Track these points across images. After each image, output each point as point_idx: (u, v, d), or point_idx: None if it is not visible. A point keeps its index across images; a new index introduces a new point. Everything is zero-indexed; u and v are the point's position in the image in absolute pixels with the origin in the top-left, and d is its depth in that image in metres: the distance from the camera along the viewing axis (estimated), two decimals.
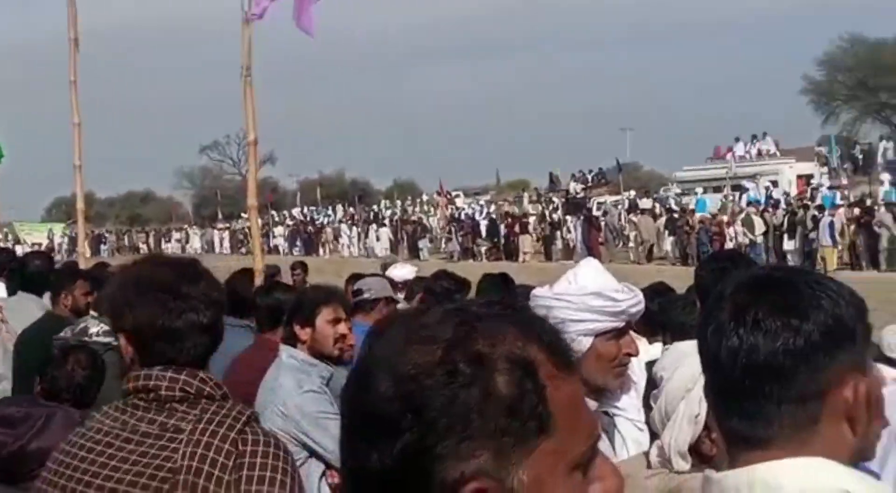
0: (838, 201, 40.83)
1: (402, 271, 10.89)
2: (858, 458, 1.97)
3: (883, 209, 37.27)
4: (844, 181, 49.00)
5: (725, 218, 41.45)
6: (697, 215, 43.58)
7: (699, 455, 3.14)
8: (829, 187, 46.11)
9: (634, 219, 46.61)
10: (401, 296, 9.77)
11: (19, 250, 24.21)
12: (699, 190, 51.08)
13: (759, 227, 39.43)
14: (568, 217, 50.31)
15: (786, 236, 38.86)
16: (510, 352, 1.38)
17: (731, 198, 46.68)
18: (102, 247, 68.75)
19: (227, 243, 70.49)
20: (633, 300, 3.93)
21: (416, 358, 1.36)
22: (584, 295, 3.87)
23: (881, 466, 4.76)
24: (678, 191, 54.33)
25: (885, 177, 45.38)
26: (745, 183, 49.28)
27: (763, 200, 44.47)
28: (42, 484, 2.93)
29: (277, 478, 2.84)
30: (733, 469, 1.93)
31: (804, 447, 1.90)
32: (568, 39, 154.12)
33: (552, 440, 1.37)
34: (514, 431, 1.35)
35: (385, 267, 13.65)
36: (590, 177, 65.37)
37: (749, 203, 43.96)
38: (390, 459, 1.34)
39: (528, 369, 1.38)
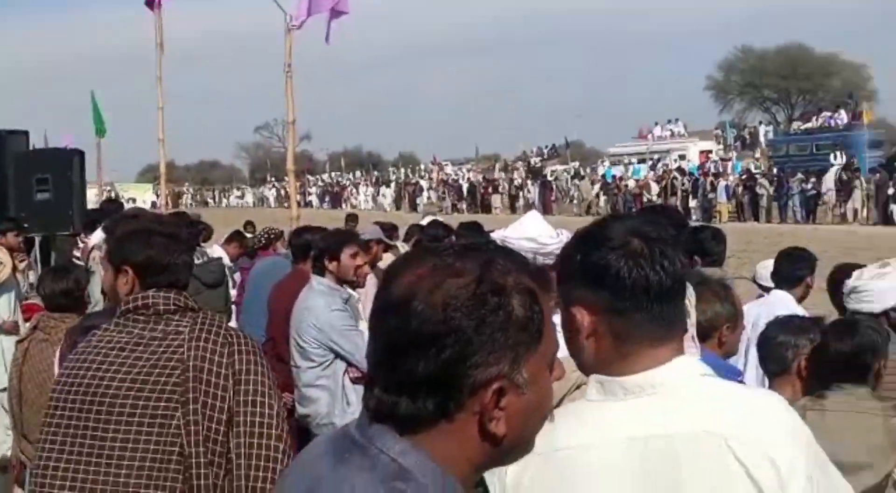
0: (729, 171, 40.96)
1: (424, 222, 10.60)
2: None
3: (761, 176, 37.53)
4: (734, 156, 49.00)
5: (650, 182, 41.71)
6: (632, 180, 43.67)
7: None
8: (723, 160, 46.17)
9: (577, 183, 46.67)
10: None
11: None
12: (634, 160, 50.85)
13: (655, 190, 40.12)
14: (528, 181, 50.38)
15: (690, 196, 38.98)
16: (518, 281, 1.40)
17: (652, 167, 46.75)
18: (180, 201, 68.60)
19: (272, 199, 70.44)
20: (559, 244, 3.90)
21: (453, 290, 1.36)
22: (520, 239, 3.95)
23: (743, 359, 4.82)
24: (608, 163, 54.22)
25: (767, 153, 45.62)
26: (662, 156, 49.29)
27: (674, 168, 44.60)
28: (66, 384, 2.93)
29: (260, 361, 2.96)
30: (619, 374, 1.94)
31: (680, 346, 1.97)
32: (535, 43, 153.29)
33: (541, 344, 1.42)
34: (525, 342, 1.39)
35: (425, 215, 13.68)
36: (545, 151, 65.27)
37: (664, 171, 44.12)
38: (434, 366, 1.35)
39: (532, 295, 1.41)
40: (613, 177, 45.77)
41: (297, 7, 9.02)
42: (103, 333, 3.00)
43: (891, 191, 32.10)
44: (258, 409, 2.88)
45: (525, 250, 3.86)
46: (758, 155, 49.36)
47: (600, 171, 50.67)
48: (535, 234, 3.97)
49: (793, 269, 5.54)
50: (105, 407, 2.82)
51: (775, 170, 39.14)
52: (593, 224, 2.09)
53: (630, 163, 50.63)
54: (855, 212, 33.60)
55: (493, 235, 4.28)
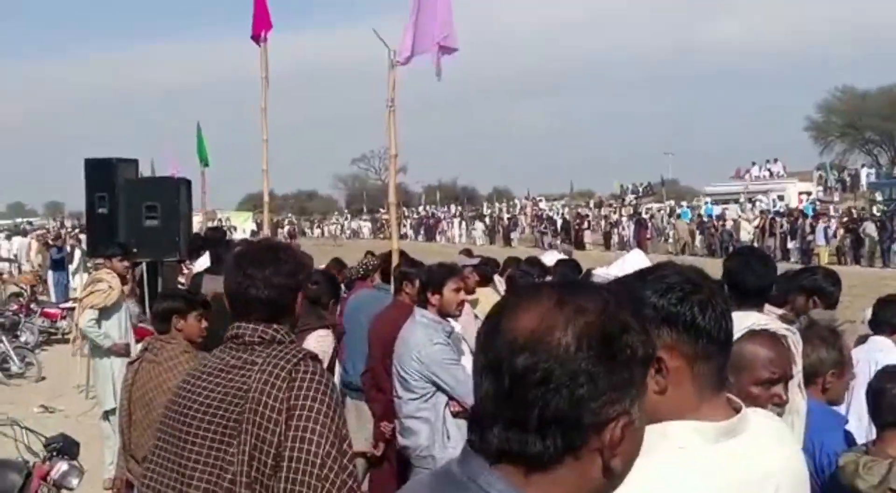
0: (830, 212, 40.05)
1: (549, 258, 10.55)
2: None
3: (868, 221, 36.52)
4: (836, 198, 47.92)
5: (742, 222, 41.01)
6: (730, 220, 42.89)
7: None
8: (822, 201, 45.22)
9: (673, 222, 46.12)
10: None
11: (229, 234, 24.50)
12: (732, 200, 50.01)
13: (747, 230, 39.62)
14: (623, 218, 49.95)
15: (789, 237, 38.20)
16: (634, 320, 1.40)
17: (746, 208, 45.95)
18: (280, 231, 69.77)
19: (366, 231, 71.08)
20: None
21: (583, 328, 1.35)
22: (626, 275, 3.86)
23: (846, 409, 4.67)
24: (708, 201, 53.43)
25: (877, 196, 44.46)
26: (759, 197, 48.43)
27: (771, 209, 43.81)
28: (170, 403, 3.08)
29: (318, 397, 2.88)
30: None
31: None
32: (625, 82, 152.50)
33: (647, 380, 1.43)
34: (641, 379, 1.40)
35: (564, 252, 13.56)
36: (640, 189, 64.77)
37: (762, 212, 43.36)
38: (567, 404, 1.33)
39: (647, 331, 1.41)
40: (710, 216, 45.11)
41: (401, 42, 9.11)
42: (209, 357, 3.12)
43: None
44: (305, 445, 2.81)
45: None
46: (860, 197, 48.21)
47: (700, 210, 49.89)
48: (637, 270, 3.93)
49: (889, 315, 5.40)
50: (185, 429, 2.95)
51: (879, 213, 38.11)
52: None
53: (728, 202, 49.81)
54: None
55: (596, 271, 4.25)
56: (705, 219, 44.55)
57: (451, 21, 8.78)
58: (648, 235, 45.50)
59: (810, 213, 38.98)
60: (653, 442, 1.51)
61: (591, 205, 62.13)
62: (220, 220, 49.22)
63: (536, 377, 1.34)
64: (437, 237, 61.50)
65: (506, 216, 61.31)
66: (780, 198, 48.31)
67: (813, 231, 36.79)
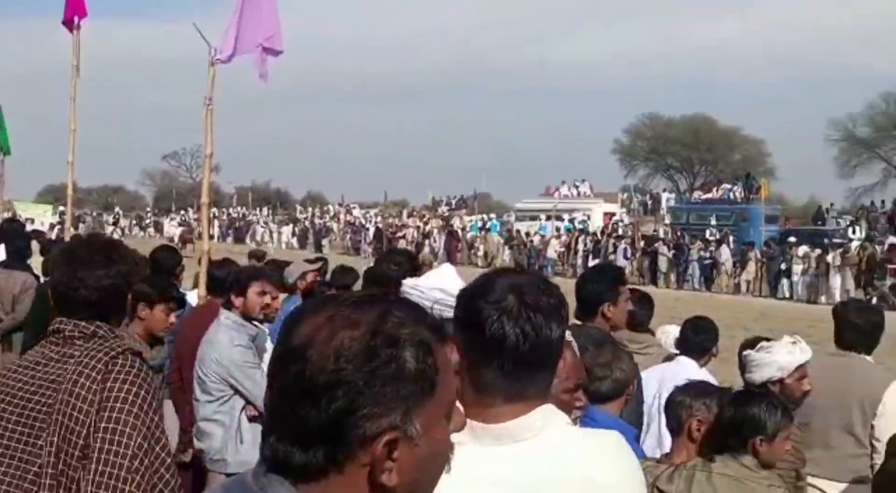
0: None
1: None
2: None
3: (661, 243, 38.41)
4: (639, 220, 50.06)
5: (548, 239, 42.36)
6: (537, 236, 44.43)
7: None
8: (624, 222, 47.18)
9: (484, 235, 47.08)
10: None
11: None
12: (542, 217, 51.52)
13: (554, 247, 41.27)
14: (435, 229, 50.61)
15: (590, 256, 39.64)
16: (413, 333, 1.39)
17: (564, 226, 47.46)
18: (81, 225, 66.96)
19: (175, 231, 69.21)
20: None
21: (346, 341, 1.35)
22: (432, 289, 3.95)
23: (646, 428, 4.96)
24: (514, 218, 54.83)
25: (676, 219, 46.70)
26: (565, 215, 50.01)
27: (575, 228, 45.38)
28: None
29: (133, 390, 2.84)
30: (486, 422, 1.99)
31: (539, 400, 2.02)
32: (447, 95, 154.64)
33: (436, 397, 1.41)
34: (416, 394, 1.38)
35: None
36: (454, 201, 65.77)
37: (568, 231, 44.89)
38: (325, 417, 1.33)
39: (426, 347, 1.39)
40: (518, 232, 46.44)
41: (222, 40, 8.94)
42: (31, 352, 3.06)
43: (783, 266, 33.19)
44: (116, 437, 2.76)
45: (433, 300, 3.93)
46: (659, 221, 50.58)
47: (516, 226, 51.13)
48: (446, 286, 4.01)
49: (698, 339, 5.71)
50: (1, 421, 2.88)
51: (676, 236, 40.09)
52: (493, 272, 2.19)
53: (538, 219, 51.21)
54: (748, 283, 34.59)
55: (406, 282, 4.29)
56: (514, 234, 45.73)
57: (277, 23, 8.74)
58: (459, 248, 46.32)
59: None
60: None
61: (405, 215, 62.61)
62: (11, 211, 46.78)
63: (298, 389, 1.35)
64: (248, 240, 60.59)
65: (318, 222, 61.09)
66: (588, 217, 50.02)
67: (615, 251, 38.40)
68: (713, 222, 41.93)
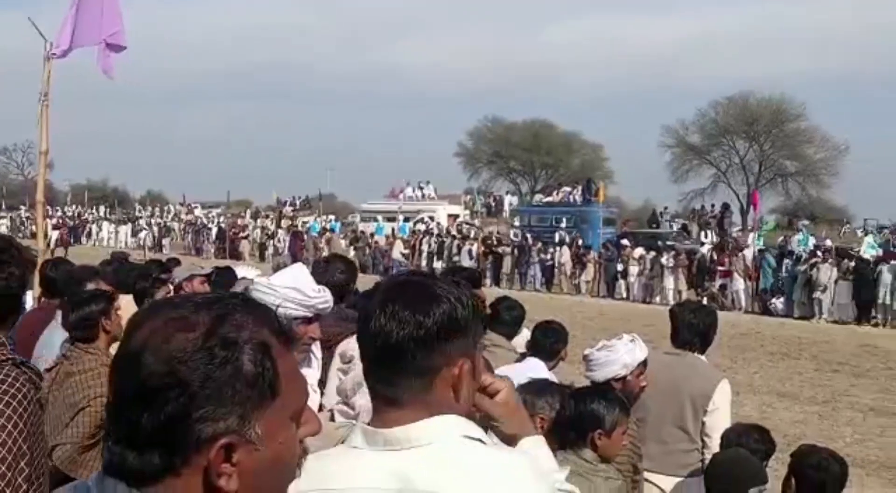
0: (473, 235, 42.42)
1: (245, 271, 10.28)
2: (468, 416, 1.99)
3: (504, 245, 39.15)
4: (482, 222, 50.82)
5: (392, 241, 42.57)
6: (376, 237, 44.67)
7: None
8: (468, 224, 47.81)
9: (328, 236, 46.89)
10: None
11: None
12: (379, 218, 51.72)
13: (399, 248, 41.57)
14: (279, 230, 50.14)
15: (435, 257, 40.06)
16: (252, 336, 1.37)
17: (400, 228, 47.69)
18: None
19: (4, 229, 66.29)
20: (322, 299, 4.06)
21: (181, 343, 1.33)
22: (286, 288, 3.97)
23: None
24: (359, 219, 54.82)
25: (517, 222, 47.56)
26: (409, 216, 50.32)
27: (421, 230, 45.72)
28: None
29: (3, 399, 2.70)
30: (383, 426, 1.93)
31: (424, 408, 1.92)
32: (290, 94, 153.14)
33: (278, 401, 1.39)
34: (255, 397, 1.36)
35: (276, 267, 13.26)
36: (298, 201, 65.21)
37: (412, 232, 45.19)
38: (159, 420, 1.31)
39: (265, 350, 1.38)
40: (363, 233, 46.53)
41: (58, 35, 8.68)
42: None
43: (619, 267, 34.29)
44: None
45: (289, 300, 3.93)
46: (502, 222, 51.49)
47: (354, 226, 51.13)
48: (300, 285, 4.03)
49: (548, 342, 5.86)
50: None
51: (518, 239, 40.85)
52: (412, 273, 2.21)
53: (383, 220, 51.36)
54: (587, 284, 35.56)
55: (258, 280, 4.28)
56: (359, 235, 45.75)
57: (120, 19, 8.52)
58: (304, 248, 45.99)
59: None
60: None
61: (248, 215, 61.68)
62: None
63: (133, 392, 1.34)
64: (84, 240, 58.59)
65: (159, 221, 59.62)
66: (431, 219, 50.48)
67: (459, 252, 38.89)
68: (564, 225, 42.76)
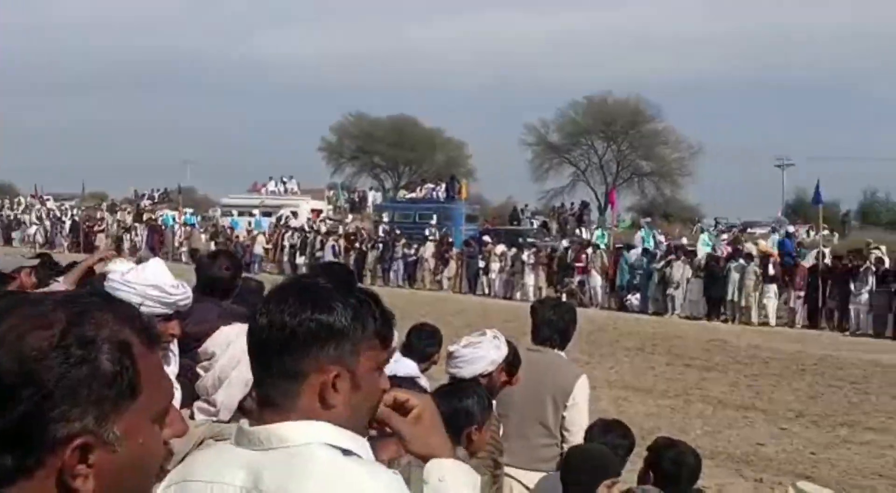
0: (339, 231, 42.23)
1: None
2: (349, 427, 1.92)
3: (368, 240, 39.12)
4: (345, 218, 50.68)
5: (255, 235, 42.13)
6: (236, 232, 44.15)
7: (242, 410, 3.15)
8: (332, 219, 47.60)
9: (187, 230, 46.01)
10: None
11: None
12: (235, 212, 50.96)
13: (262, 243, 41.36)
14: (137, 224, 48.92)
15: (298, 253, 39.75)
16: (111, 335, 1.34)
17: (255, 222, 47.18)
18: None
19: None
20: (182, 295, 3.97)
21: (36, 341, 1.29)
22: (145, 285, 3.85)
23: None
24: (220, 213, 53.84)
25: (383, 217, 47.65)
26: (271, 211, 49.76)
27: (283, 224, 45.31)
28: None
29: None
30: (256, 424, 1.92)
31: (294, 411, 1.90)
32: (153, 87, 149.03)
33: (139, 401, 1.36)
34: (113, 397, 1.33)
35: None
36: (157, 195, 63.74)
37: (274, 226, 44.73)
38: (11, 421, 1.27)
39: (125, 349, 1.35)
40: (224, 227, 45.79)
41: None
42: None
43: (481, 263, 34.72)
44: None
45: (148, 297, 3.83)
46: (365, 218, 51.44)
47: (221, 221, 50.17)
48: (160, 282, 3.92)
49: (421, 345, 5.87)
50: None
51: (382, 234, 40.88)
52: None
53: (243, 214, 50.62)
54: (449, 280, 35.88)
55: (113, 276, 4.11)
56: (219, 229, 45.01)
57: None
58: (162, 242, 45.05)
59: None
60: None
61: (104, 208, 59.91)
62: None
63: None
64: None
65: (8, 213, 57.27)
66: (294, 214, 50.04)
67: (322, 248, 38.68)
68: (433, 222, 42.89)
